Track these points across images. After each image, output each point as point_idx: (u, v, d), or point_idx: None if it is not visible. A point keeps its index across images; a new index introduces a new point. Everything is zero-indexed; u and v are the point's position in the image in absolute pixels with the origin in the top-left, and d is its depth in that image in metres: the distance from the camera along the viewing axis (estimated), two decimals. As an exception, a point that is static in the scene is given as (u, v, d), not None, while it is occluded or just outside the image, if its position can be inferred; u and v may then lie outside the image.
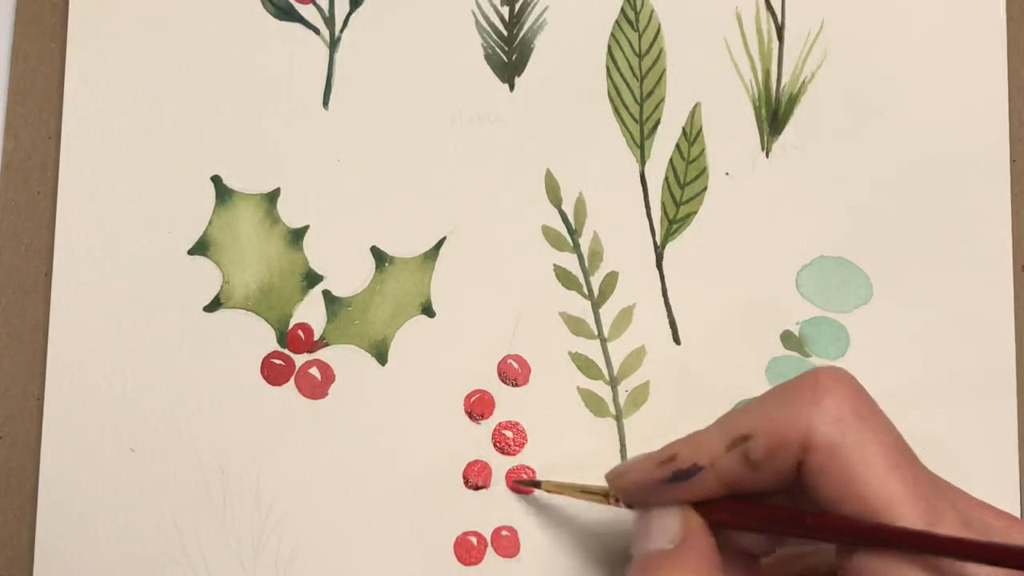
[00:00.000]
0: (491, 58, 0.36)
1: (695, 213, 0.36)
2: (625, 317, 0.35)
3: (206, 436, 0.34)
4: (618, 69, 0.36)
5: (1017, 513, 0.34)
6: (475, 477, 0.34)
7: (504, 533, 0.34)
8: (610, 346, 0.35)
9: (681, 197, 0.36)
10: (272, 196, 0.36)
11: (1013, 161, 0.36)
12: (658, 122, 0.36)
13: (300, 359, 0.35)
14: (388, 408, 0.35)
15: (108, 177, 0.35)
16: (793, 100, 0.36)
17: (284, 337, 0.35)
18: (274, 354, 0.35)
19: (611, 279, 0.35)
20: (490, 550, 0.34)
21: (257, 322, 0.35)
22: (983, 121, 0.36)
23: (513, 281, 0.35)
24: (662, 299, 0.35)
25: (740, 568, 0.27)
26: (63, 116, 0.36)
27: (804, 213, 0.36)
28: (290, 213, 0.35)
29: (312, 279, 0.35)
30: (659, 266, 0.35)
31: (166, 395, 0.34)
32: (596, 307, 0.35)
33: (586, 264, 0.35)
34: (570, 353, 0.35)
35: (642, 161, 0.36)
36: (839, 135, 0.36)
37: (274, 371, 0.35)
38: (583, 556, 0.34)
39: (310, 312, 0.35)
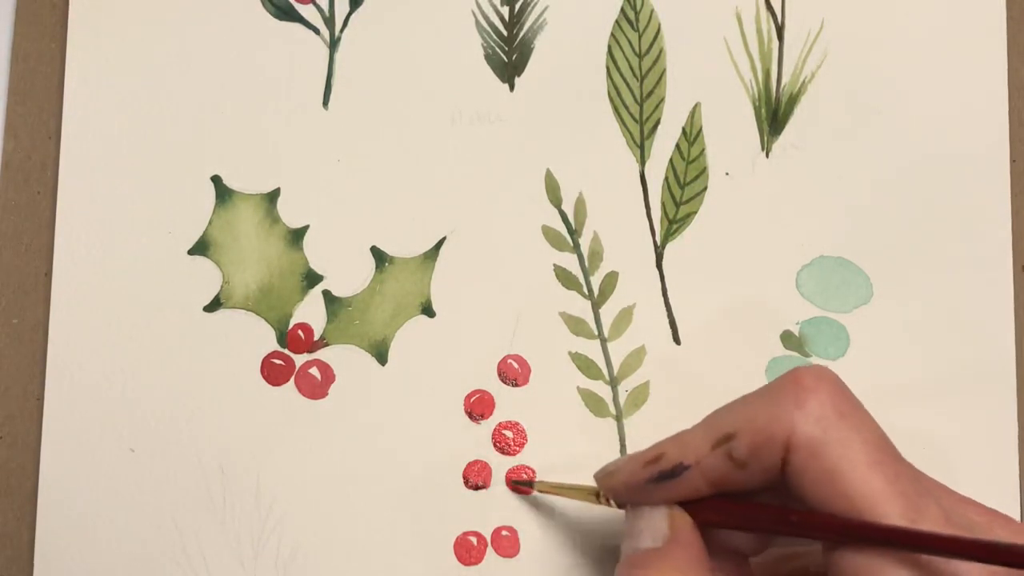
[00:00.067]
0: (491, 58, 0.36)
1: (695, 213, 0.36)
2: (625, 317, 0.35)
3: (206, 436, 0.34)
4: (618, 69, 0.36)
5: (1017, 513, 0.34)
6: (475, 477, 0.34)
7: (504, 533, 0.34)
8: (610, 346, 0.35)
9: (681, 197, 0.36)
10: (272, 196, 0.36)
11: (1013, 161, 0.36)
12: (658, 122, 0.36)
13: (300, 359, 0.35)
14: (388, 408, 0.35)
15: (108, 177, 0.35)
16: (793, 100, 0.36)
17: (284, 337, 0.35)
18: (274, 354, 0.35)
19: (611, 279, 0.35)
20: (490, 550, 0.34)
21: (257, 322, 0.35)
22: (983, 121, 0.36)
23: (513, 281, 0.35)
24: (662, 299, 0.35)
25: (730, 568, 0.28)
26: (63, 116, 0.36)
27: (804, 213, 0.36)
28: (290, 213, 0.35)
29: (312, 279, 0.35)
30: (659, 266, 0.35)
31: (166, 395, 0.34)
32: (596, 307, 0.35)
33: (586, 264, 0.35)
34: (570, 353, 0.35)
35: (642, 161, 0.36)
36: (839, 135, 0.36)
37: (274, 371, 0.35)
38: (583, 556, 0.34)
39: (310, 312, 0.35)
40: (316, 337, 0.35)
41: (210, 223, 0.35)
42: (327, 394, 0.35)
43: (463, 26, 0.36)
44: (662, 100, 0.36)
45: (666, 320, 0.35)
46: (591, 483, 0.30)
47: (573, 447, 0.34)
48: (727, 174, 0.36)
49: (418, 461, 0.34)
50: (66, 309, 0.35)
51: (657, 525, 0.27)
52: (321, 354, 0.35)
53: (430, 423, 0.34)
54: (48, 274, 0.35)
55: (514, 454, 0.34)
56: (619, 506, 0.29)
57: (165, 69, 0.36)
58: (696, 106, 0.36)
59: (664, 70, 0.36)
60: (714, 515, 0.27)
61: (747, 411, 0.25)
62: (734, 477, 0.26)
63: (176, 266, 0.35)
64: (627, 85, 0.36)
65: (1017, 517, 0.34)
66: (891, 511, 0.23)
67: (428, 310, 0.35)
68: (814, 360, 0.35)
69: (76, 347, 0.34)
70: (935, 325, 0.35)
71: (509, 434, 0.34)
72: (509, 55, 0.36)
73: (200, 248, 0.35)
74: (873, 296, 0.35)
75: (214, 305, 0.35)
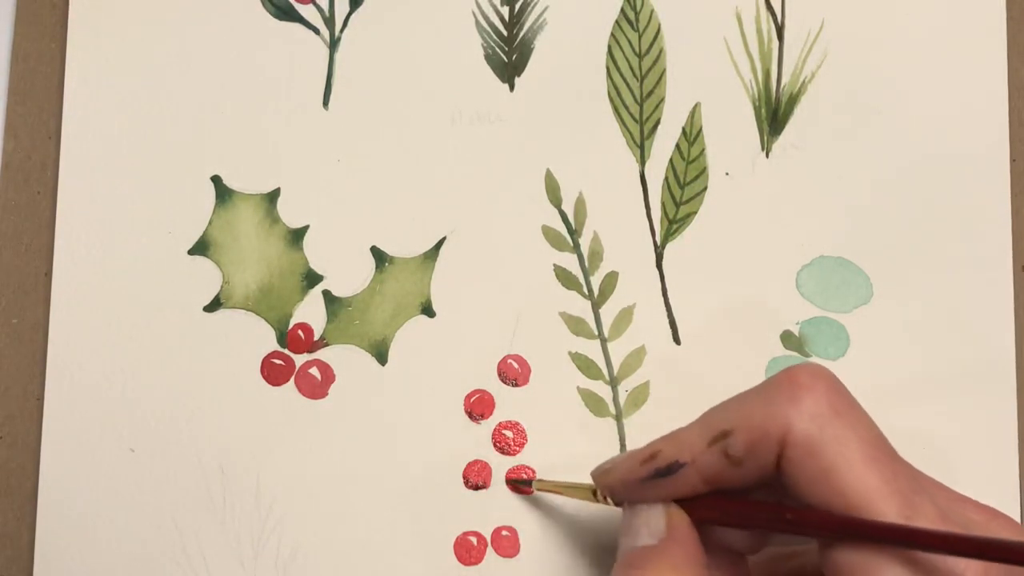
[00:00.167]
0: (491, 58, 0.36)
1: (695, 213, 0.36)
2: (625, 317, 0.35)
3: (206, 436, 0.34)
4: (618, 69, 0.36)
5: (1017, 512, 0.34)
6: (475, 477, 0.34)
7: (504, 533, 0.34)
8: (610, 346, 0.35)
9: (681, 197, 0.36)
10: (272, 196, 0.36)
11: (1013, 161, 0.36)
12: (658, 122, 0.36)
13: (300, 359, 0.35)
14: (388, 408, 0.35)
15: (108, 177, 0.35)
16: (793, 100, 0.36)
17: (284, 337, 0.35)
18: (274, 354, 0.35)
19: (611, 279, 0.35)
20: (490, 550, 0.34)
21: (257, 322, 0.35)
22: (983, 121, 0.36)
23: (513, 281, 0.35)
24: (662, 299, 0.35)
25: (727, 566, 0.28)
26: (63, 116, 0.36)
27: (804, 213, 0.36)
28: (290, 213, 0.35)
29: (312, 279, 0.35)
30: (659, 266, 0.35)
31: (166, 395, 0.34)
32: (596, 307, 0.35)
33: (586, 264, 0.35)
34: (570, 353, 0.35)
35: (642, 161, 0.36)
36: (839, 135, 0.36)
37: (274, 371, 0.35)
38: (583, 556, 0.34)
39: (310, 312, 0.35)
40: (316, 337, 0.35)
41: (210, 223, 0.35)
42: (327, 394, 0.35)
43: (463, 26, 0.36)
44: (662, 100, 0.36)
45: (666, 320, 0.35)
46: (590, 482, 0.30)
47: (573, 447, 0.34)
48: (727, 174, 0.36)
49: (418, 461, 0.34)
50: (66, 309, 0.35)
51: (654, 522, 0.27)
52: (321, 354, 0.35)
53: (430, 423, 0.34)
54: (48, 274, 0.35)
55: (514, 454, 0.34)
56: (616, 504, 0.29)
57: (165, 69, 0.36)
58: (696, 106, 0.36)
59: (664, 70, 0.36)
60: (710, 512, 0.27)
61: (743, 408, 0.25)
62: (730, 474, 0.26)
63: (176, 266, 0.35)
64: (627, 85, 0.36)
65: (1017, 517, 0.34)
66: (887, 508, 0.23)
67: (428, 310, 0.35)
68: (814, 360, 0.35)
69: (76, 347, 0.34)
70: (935, 325, 0.35)
71: (509, 434, 0.34)
72: (509, 55, 0.36)
73: (200, 248, 0.35)
74: (873, 296, 0.35)
75: (214, 305, 0.35)
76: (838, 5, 0.37)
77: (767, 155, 0.36)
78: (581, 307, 0.35)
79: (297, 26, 0.36)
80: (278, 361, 0.35)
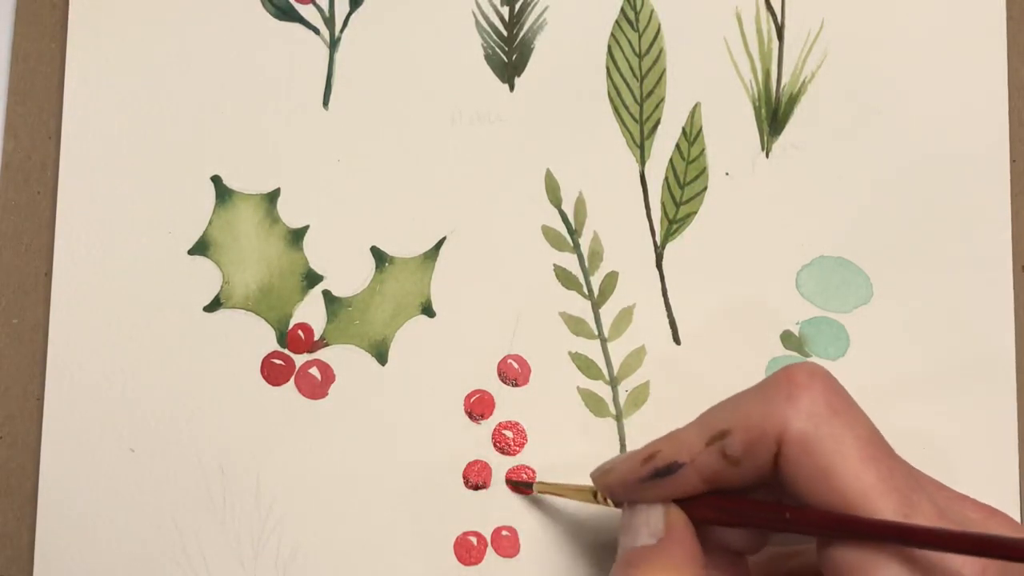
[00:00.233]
0: (491, 58, 0.36)
1: (695, 213, 0.36)
2: (625, 317, 0.35)
3: (206, 436, 0.34)
4: (618, 69, 0.36)
5: (1016, 512, 0.34)
6: (475, 477, 0.34)
7: (504, 533, 0.34)
8: (610, 346, 0.35)
9: (681, 197, 0.36)
10: (272, 196, 0.36)
11: (1013, 161, 0.36)
12: (658, 122, 0.36)
13: (300, 359, 0.35)
14: (388, 408, 0.35)
15: (108, 177, 0.35)
16: (793, 100, 0.36)
17: (284, 337, 0.35)
18: (274, 354, 0.35)
19: (611, 279, 0.35)
20: (490, 550, 0.34)
21: (257, 322, 0.35)
22: (983, 121, 0.36)
23: (513, 281, 0.35)
24: (662, 299, 0.35)
25: (727, 566, 0.28)
26: (63, 116, 0.36)
27: (804, 213, 0.36)
28: (290, 213, 0.35)
29: (312, 279, 0.35)
30: (659, 266, 0.35)
31: (166, 395, 0.34)
32: (596, 307, 0.35)
33: (586, 264, 0.35)
34: (570, 353, 0.35)
35: (642, 161, 0.36)
36: (839, 135, 0.36)
37: (274, 371, 0.35)
38: (583, 556, 0.34)
39: (310, 312, 0.35)
40: (316, 337, 0.35)
41: (210, 223, 0.35)
42: (327, 394, 0.35)
43: (463, 26, 0.36)
44: (662, 100, 0.36)
45: (666, 320, 0.35)
46: (589, 483, 0.30)
47: (573, 447, 0.34)
48: (727, 174, 0.36)
49: (418, 461, 0.34)
50: (66, 309, 0.35)
51: (653, 522, 0.27)
52: (321, 354, 0.35)
53: (430, 423, 0.34)
54: (48, 274, 0.35)
55: (514, 454, 0.34)
56: (616, 505, 0.29)
57: (165, 69, 0.36)
58: (696, 106, 0.36)
59: (664, 70, 0.36)
60: (709, 512, 0.27)
61: (740, 408, 0.26)
62: (728, 474, 0.26)
63: (176, 266, 0.35)
64: (627, 85, 0.36)
65: (1017, 516, 0.34)
66: (884, 506, 0.23)
67: (428, 310, 0.35)
68: (814, 360, 0.35)
69: (76, 347, 0.34)
70: (935, 325, 0.35)
71: (509, 434, 0.34)
72: (509, 55, 0.36)
73: (200, 248, 0.35)
74: (873, 296, 0.35)
75: (214, 305, 0.35)
76: (838, 5, 0.37)
77: (767, 155, 0.36)
78: (581, 307, 0.35)
79: (297, 26, 0.36)
80: (278, 361, 0.35)
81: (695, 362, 0.35)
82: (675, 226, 0.36)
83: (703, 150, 0.36)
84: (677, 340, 0.35)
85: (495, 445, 0.34)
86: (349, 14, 0.36)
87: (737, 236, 0.36)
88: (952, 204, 0.36)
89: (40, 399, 0.34)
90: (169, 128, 0.36)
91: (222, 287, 0.35)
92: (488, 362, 0.35)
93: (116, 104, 0.36)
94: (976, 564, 0.23)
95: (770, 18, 0.37)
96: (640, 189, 0.36)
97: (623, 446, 0.34)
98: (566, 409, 0.35)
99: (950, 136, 0.36)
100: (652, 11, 0.37)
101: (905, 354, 0.35)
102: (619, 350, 0.35)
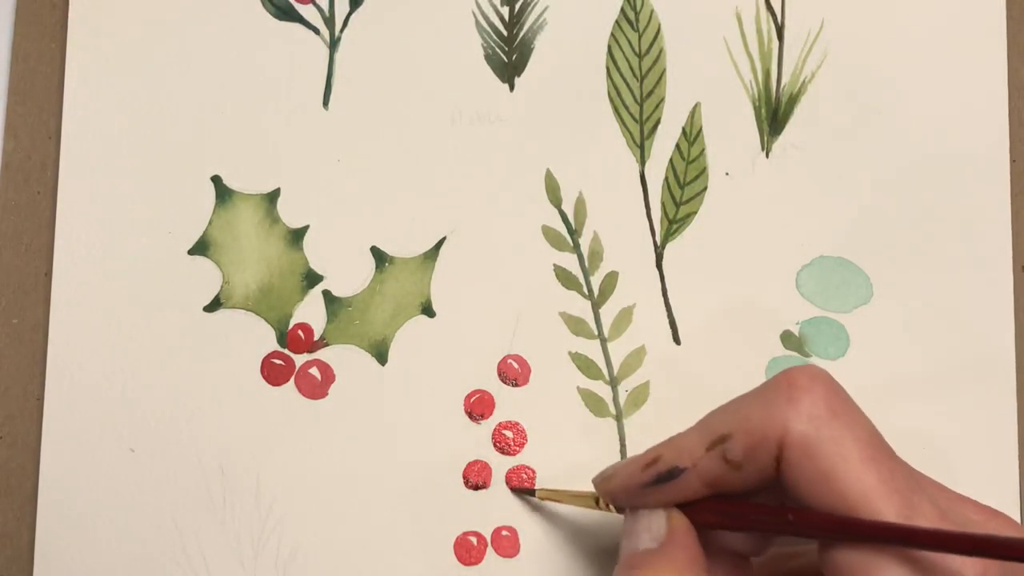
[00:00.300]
0: (491, 58, 0.36)
1: (695, 213, 0.36)
2: (625, 317, 0.35)
3: (206, 436, 0.34)
4: (618, 69, 0.36)
5: (1017, 512, 0.34)
6: (475, 477, 0.34)
7: (504, 533, 0.34)
8: (610, 346, 0.35)
9: (681, 197, 0.36)
10: (272, 196, 0.36)
11: (1013, 161, 0.36)
12: (658, 122, 0.36)
13: (300, 359, 0.35)
14: (388, 408, 0.35)
15: (108, 177, 0.35)
16: (793, 100, 0.36)
17: (284, 337, 0.35)
18: (274, 354, 0.35)
19: (611, 279, 0.35)
20: (490, 550, 0.34)
21: (257, 322, 0.35)
22: (983, 121, 0.36)
23: (513, 281, 0.35)
24: (662, 299, 0.35)
25: (730, 569, 0.28)
26: (63, 116, 0.36)
27: (804, 213, 0.36)
28: (290, 213, 0.35)
29: (312, 279, 0.35)
30: (659, 266, 0.35)
31: (166, 395, 0.34)
32: (596, 307, 0.35)
33: (586, 264, 0.35)
34: (570, 353, 0.35)
35: (642, 161, 0.36)
36: (839, 135, 0.36)
37: (274, 371, 0.35)
38: (583, 556, 0.34)
39: (310, 312, 0.35)
40: (316, 337, 0.35)
41: (210, 223, 0.35)
42: (327, 394, 0.35)
43: (463, 26, 0.36)
44: (662, 100, 0.36)
45: (666, 320, 0.35)
46: (590, 487, 0.30)
47: (573, 447, 0.34)
48: (727, 174, 0.36)
49: (418, 461, 0.34)
50: (66, 309, 0.35)
51: (655, 526, 0.27)
52: (321, 354, 0.35)
53: (430, 423, 0.34)
54: (48, 274, 0.35)
55: (514, 454, 0.34)
56: (618, 510, 0.29)
57: (165, 69, 0.36)
58: (696, 106, 0.36)
59: (664, 70, 0.36)
60: (711, 516, 0.27)
61: (741, 412, 0.26)
62: (730, 478, 0.26)
63: (176, 266, 0.35)
64: (627, 85, 0.36)
65: (1017, 517, 0.34)
66: (886, 508, 0.23)
67: (428, 310, 0.35)
68: (814, 360, 0.35)
69: (76, 347, 0.34)
70: (935, 325, 0.35)
71: (509, 434, 0.34)
72: (509, 55, 0.36)
73: (200, 248, 0.35)
74: (873, 296, 0.35)
75: (214, 305, 0.35)
76: (838, 5, 0.37)
77: (767, 155, 0.36)
78: (581, 307, 0.35)
79: (297, 26, 0.36)
80: (278, 361, 0.35)
81: (695, 362, 0.35)
82: (675, 226, 0.36)
83: (703, 150, 0.36)
84: (677, 340, 0.35)
85: (495, 445, 0.34)
86: (349, 14, 0.36)
87: (737, 236, 0.36)
88: (952, 204, 0.36)
89: (40, 399, 0.34)
90: (169, 128, 0.36)
91: (222, 287, 0.35)
92: (488, 362, 0.35)
93: (116, 104, 0.36)
94: (977, 565, 0.23)
95: (770, 18, 0.37)
96: (640, 189, 0.36)
97: (623, 446, 0.34)
98: (566, 409, 0.35)
99: (950, 136, 0.36)
100: (652, 11, 0.37)
101: (905, 354, 0.35)
102: (619, 350, 0.35)
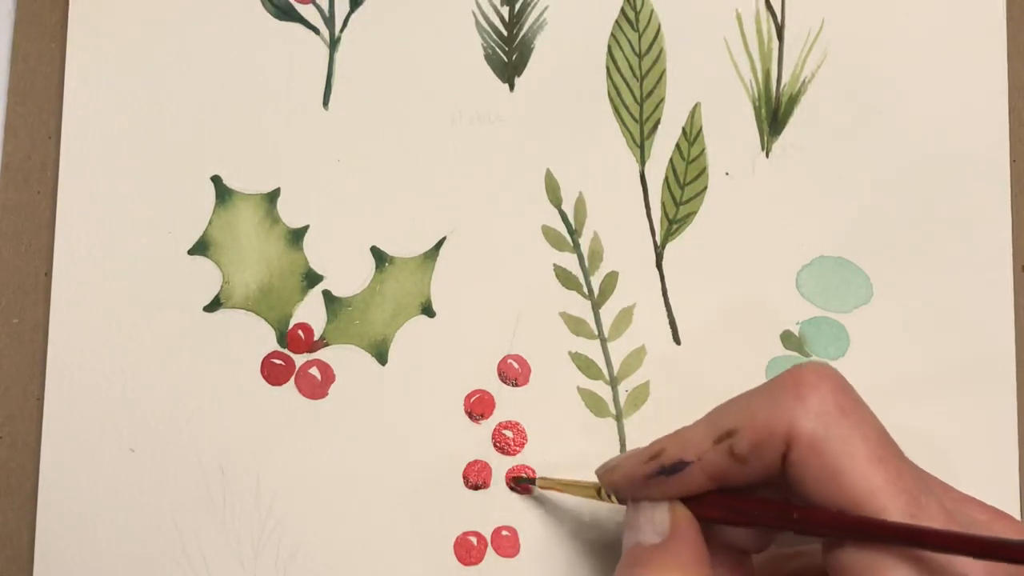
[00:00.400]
0: (491, 58, 0.36)
1: (695, 213, 0.36)
2: (625, 317, 0.35)
3: (206, 436, 0.34)
4: (618, 69, 0.36)
5: (1017, 512, 0.34)
6: (475, 477, 0.34)
7: (504, 533, 0.34)
8: (610, 346, 0.35)
9: (681, 197, 0.36)
10: (272, 196, 0.36)
11: (1013, 161, 0.36)
12: (658, 122, 0.36)
13: (300, 359, 0.35)
14: (388, 408, 0.35)
15: (108, 177, 0.35)
16: (793, 100, 0.36)
17: (284, 337, 0.35)
18: (274, 354, 0.35)
19: (611, 279, 0.35)
20: (490, 550, 0.34)
21: (257, 322, 0.35)
22: (983, 121, 0.36)
23: (513, 281, 0.35)
24: (662, 299, 0.35)
25: (732, 565, 0.28)
26: (63, 116, 0.36)
27: (804, 213, 0.36)
28: (290, 213, 0.35)
29: (312, 279, 0.35)
30: (659, 266, 0.35)
31: (166, 395, 0.34)
32: (596, 307, 0.35)
33: (586, 264, 0.35)
34: (570, 353, 0.35)
35: (642, 161, 0.36)
36: (839, 135, 0.36)
37: (274, 371, 0.35)
38: (583, 556, 0.34)
39: (310, 312, 0.35)
40: (316, 337, 0.35)
41: (210, 223, 0.35)
42: (327, 394, 0.35)
43: (463, 26, 0.36)
44: (662, 100, 0.36)
45: (666, 320, 0.35)
46: (594, 480, 0.30)
47: (573, 447, 0.34)
48: (727, 174, 0.36)
49: (418, 461, 0.34)
50: (66, 309, 0.35)
51: (658, 520, 0.27)
52: (321, 354, 0.35)
53: (430, 423, 0.34)
54: (48, 274, 0.35)
55: (514, 454, 0.34)
56: (620, 502, 0.29)
57: (165, 69, 0.36)
58: (696, 106, 0.36)
59: (664, 70, 0.36)
60: (715, 511, 0.27)
61: (749, 407, 0.25)
62: (735, 473, 0.26)
63: (176, 266, 0.35)
64: (627, 85, 0.36)
65: (1017, 516, 0.34)
66: (892, 508, 0.23)
67: (428, 310, 0.35)
68: (814, 360, 0.35)
69: (76, 347, 0.34)
70: (935, 325, 0.35)
71: (509, 434, 0.34)
72: (509, 55, 0.36)
73: (200, 248, 0.35)
74: (873, 296, 0.35)
75: (214, 305, 0.35)
76: (838, 5, 0.37)
77: (767, 155, 0.36)
78: (581, 307, 0.35)
79: (297, 26, 0.36)
80: (278, 361, 0.35)
81: (695, 362, 0.35)
82: (675, 226, 0.36)
83: (703, 150, 0.36)
84: (677, 340, 0.35)
85: (495, 445, 0.34)
86: (349, 14, 0.36)
87: (737, 236, 0.36)
88: (952, 204, 0.36)
89: (40, 399, 0.34)
90: (169, 128, 0.36)
91: (222, 287, 0.35)
92: (488, 362, 0.35)
93: (116, 104, 0.36)
94: (984, 567, 0.23)
95: (770, 18, 0.37)
96: (640, 189, 0.36)
97: (623, 446, 0.34)
98: (566, 409, 0.35)
99: (950, 136, 0.36)
100: (652, 11, 0.37)
101: (905, 354, 0.35)
102: (619, 350, 0.35)
